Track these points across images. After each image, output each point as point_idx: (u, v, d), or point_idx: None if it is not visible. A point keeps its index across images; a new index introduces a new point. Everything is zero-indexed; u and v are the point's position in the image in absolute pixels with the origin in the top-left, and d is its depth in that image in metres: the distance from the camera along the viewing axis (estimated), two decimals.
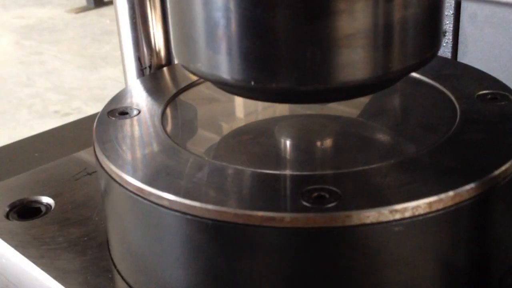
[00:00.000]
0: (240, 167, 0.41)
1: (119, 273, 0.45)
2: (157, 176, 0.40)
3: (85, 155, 0.59)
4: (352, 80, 0.39)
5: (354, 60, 0.38)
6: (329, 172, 0.40)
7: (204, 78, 0.42)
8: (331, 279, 0.37)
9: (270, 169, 0.40)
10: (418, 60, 0.41)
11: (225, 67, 0.40)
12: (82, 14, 3.60)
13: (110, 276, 0.45)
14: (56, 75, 2.86)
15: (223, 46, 0.39)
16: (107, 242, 0.48)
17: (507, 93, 0.48)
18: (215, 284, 0.39)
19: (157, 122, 0.46)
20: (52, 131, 0.90)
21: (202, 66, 0.41)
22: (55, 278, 0.45)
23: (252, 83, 0.39)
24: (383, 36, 0.38)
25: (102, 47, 3.12)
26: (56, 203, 0.53)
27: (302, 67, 0.38)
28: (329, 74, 0.38)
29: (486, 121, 0.44)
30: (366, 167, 0.40)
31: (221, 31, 0.39)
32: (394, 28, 0.38)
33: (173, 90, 0.51)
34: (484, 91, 0.48)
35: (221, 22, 0.38)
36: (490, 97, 0.47)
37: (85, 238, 0.49)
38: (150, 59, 0.56)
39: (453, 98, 0.47)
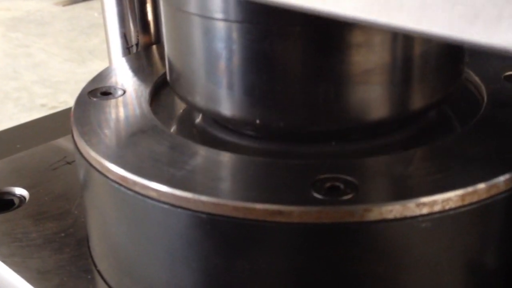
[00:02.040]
0: (239, 154, 0.36)
1: (100, 274, 0.40)
2: (143, 163, 0.35)
3: (64, 142, 0.54)
4: (370, 119, 0.36)
5: (371, 98, 0.35)
6: (344, 159, 0.35)
7: (202, 113, 0.37)
8: (346, 284, 0.32)
9: (275, 156, 0.35)
10: (439, 96, 0.38)
11: (226, 102, 0.36)
12: (69, 7, 3.54)
13: (89, 277, 0.40)
14: (43, 68, 2.80)
15: (225, 80, 0.36)
16: (87, 239, 0.42)
17: None
18: (211, 287, 0.34)
19: (144, 103, 0.41)
20: (36, 122, 0.84)
21: (201, 100, 0.38)
22: (27, 279, 0.40)
23: (258, 121, 0.36)
24: (402, 72, 0.36)
25: (90, 40, 3.06)
26: (30, 194, 0.47)
27: (313, 105, 0.35)
28: (344, 113, 0.35)
29: None
30: (386, 154, 0.34)
31: (223, 63, 0.35)
32: (414, 63, 0.36)
33: (162, 70, 0.46)
34: None
35: (224, 53, 0.35)
36: None
37: (62, 234, 0.43)
38: (137, 36, 0.51)
39: (478, 79, 0.42)
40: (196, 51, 0.37)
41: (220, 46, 0.35)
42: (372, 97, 0.35)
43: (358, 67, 0.34)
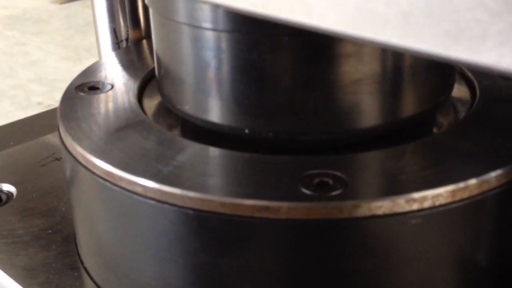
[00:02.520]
0: (227, 149, 0.35)
1: (87, 271, 0.39)
2: (130, 158, 0.34)
3: (53, 138, 0.53)
4: (360, 128, 0.36)
5: (361, 107, 0.35)
6: (332, 154, 0.34)
7: (192, 121, 0.37)
8: (336, 281, 0.31)
9: (263, 151, 0.34)
10: (430, 106, 0.37)
11: (215, 111, 0.36)
12: (66, 5, 3.52)
13: (76, 274, 0.39)
14: (39, 66, 2.79)
15: (213, 89, 0.36)
16: (74, 236, 0.41)
17: None
18: (198, 285, 0.33)
19: (133, 98, 0.40)
20: (30, 119, 0.84)
21: (190, 108, 0.37)
22: (12, 276, 0.39)
23: (246, 131, 0.35)
24: (392, 81, 0.35)
25: (87, 38, 3.05)
26: (18, 191, 0.47)
27: (302, 115, 0.35)
28: (333, 123, 0.35)
29: (509, 100, 0.39)
30: (376, 149, 0.34)
31: (212, 72, 0.35)
32: (404, 73, 0.35)
33: (151, 65, 0.45)
34: None
35: (212, 62, 0.35)
36: None
37: (49, 231, 0.42)
38: (127, 31, 0.50)
39: (470, 75, 0.42)
40: (185, 60, 0.37)
41: (209, 55, 0.35)
42: (362, 107, 0.35)
43: (347, 76, 0.34)
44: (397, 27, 0.19)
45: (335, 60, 0.34)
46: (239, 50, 0.34)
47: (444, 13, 0.18)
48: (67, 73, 2.68)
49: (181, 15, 0.35)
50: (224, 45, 0.34)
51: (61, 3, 3.60)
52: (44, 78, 2.67)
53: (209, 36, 0.35)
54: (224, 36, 0.34)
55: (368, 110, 0.35)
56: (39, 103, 2.48)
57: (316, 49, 0.33)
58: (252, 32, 0.33)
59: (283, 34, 0.33)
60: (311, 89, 0.34)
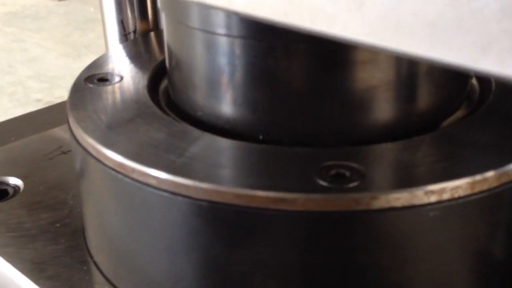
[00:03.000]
0: (241, 141, 0.34)
1: (96, 265, 0.39)
2: (141, 149, 0.34)
3: (60, 132, 0.52)
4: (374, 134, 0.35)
5: (377, 114, 0.35)
6: (349, 146, 0.33)
7: (205, 127, 0.37)
8: (352, 274, 0.31)
9: (278, 142, 0.34)
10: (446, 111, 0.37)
11: (229, 117, 0.36)
12: (65, 2, 3.52)
13: (85, 268, 0.38)
14: (38, 63, 2.78)
15: (228, 95, 0.35)
16: (83, 229, 0.41)
17: None
18: (211, 278, 0.33)
19: (142, 89, 0.40)
20: (31, 115, 0.83)
21: (204, 114, 0.37)
22: (21, 270, 0.38)
23: (260, 137, 0.35)
24: (407, 88, 0.35)
25: (86, 35, 3.04)
26: (25, 184, 0.46)
27: (317, 121, 0.35)
28: (349, 129, 0.35)
29: None
30: (393, 141, 0.33)
31: (226, 78, 0.35)
32: (420, 78, 0.35)
33: (160, 56, 0.45)
34: None
35: (227, 68, 0.35)
36: None
37: (58, 225, 0.42)
38: (135, 23, 0.49)
39: None
40: (198, 65, 0.36)
41: (223, 61, 0.35)
42: (377, 114, 0.35)
43: (363, 83, 0.34)
44: (424, 38, 0.18)
45: (350, 66, 0.33)
46: (254, 56, 0.34)
47: (472, 24, 0.17)
48: (66, 70, 2.67)
49: (195, 20, 0.35)
50: (238, 51, 0.34)
51: (60, 0, 3.59)
52: (43, 75, 2.67)
53: (223, 42, 0.35)
54: (238, 42, 0.34)
55: (384, 118, 0.35)
56: (38, 100, 2.48)
57: (331, 56, 0.33)
58: (267, 39, 0.33)
59: (299, 41, 0.33)
60: (326, 96, 0.34)
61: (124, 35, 0.49)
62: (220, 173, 0.32)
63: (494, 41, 0.17)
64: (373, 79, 0.34)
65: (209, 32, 0.35)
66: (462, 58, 0.18)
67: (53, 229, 0.42)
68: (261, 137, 0.35)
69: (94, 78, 0.41)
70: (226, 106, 0.36)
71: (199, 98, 0.37)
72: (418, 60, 0.19)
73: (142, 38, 0.49)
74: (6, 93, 2.50)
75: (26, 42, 3.01)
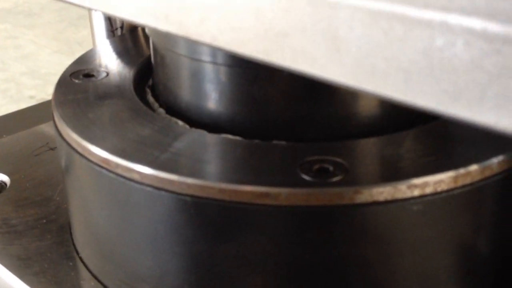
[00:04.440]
0: (225, 135, 0.34)
1: (82, 261, 0.39)
2: (126, 145, 0.34)
3: (47, 128, 0.52)
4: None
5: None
6: (333, 140, 0.33)
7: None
8: (336, 268, 0.31)
9: (262, 137, 0.34)
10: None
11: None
12: None
13: (71, 264, 0.38)
14: (31, 60, 2.77)
15: (214, 120, 0.36)
16: (69, 225, 0.41)
17: None
18: (195, 273, 0.33)
19: (128, 85, 0.40)
20: (22, 112, 0.83)
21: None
22: (7, 266, 0.38)
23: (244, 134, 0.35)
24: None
25: (79, 31, 3.03)
26: (12, 181, 0.46)
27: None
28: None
29: None
30: (377, 136, 0.33)
31: (212, 103, 0.36)
32: None
33: (147, 52, 0.44)
34: None
35: (212, 94, 0.36)
36: None
37: (44, 221, 0.42)
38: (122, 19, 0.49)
39: None
40: (185, 89, 0.37)
41: (209, 87, 0.35)
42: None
43: (347, 109, 0.34)
44: (398, 83, 0.19)
45: (334, 94, 0.34)
46: (239, 84, 0.34)
47: (443, 73, 0.18)
48: (60, 66, 2.67)
49: (181, 47, 0.36)
50: (224, 78, 0.34)
51: None
52: (36, 72, 2.66)
53: (209, 69, 0.35)
54: (223, 70, 0.34)
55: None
56: (31, 97, 2.47)
57: (315, 83, 0.33)
58: (252, 66, 0.33)
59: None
60: (311, 123, 0.34)
61: (111, 31, 0.49)
62: (204, 168, 0.32)
63: (464, 90, 0.17)
64: (357, 106, 0.35)
65: (195, 60, 0.36)
66: (434, 104, 0.18)
67: (40, 225, 0.42)
68: (245, 134, 0.35)
69: (80, 73, 0.41)
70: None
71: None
72: (395, 103, 0.20)
73: (129, 33, 0.49)
74: (0, 90, 2.50)
75: (19, 38, 3.00)
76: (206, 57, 0.35)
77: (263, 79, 0.34)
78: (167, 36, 0.36)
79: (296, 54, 0.21)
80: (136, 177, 0.32)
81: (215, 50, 0.34)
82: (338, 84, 0.21)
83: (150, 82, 0.42)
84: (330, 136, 0.34)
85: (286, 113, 0.35)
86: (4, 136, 0.73)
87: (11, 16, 3.44)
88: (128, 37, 0.48)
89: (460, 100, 0.18)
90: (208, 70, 0.35)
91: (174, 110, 0.38)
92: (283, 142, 0.33)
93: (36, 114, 0.77)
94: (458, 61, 0.17)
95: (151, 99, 0.40)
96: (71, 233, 0.40)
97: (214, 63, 0.35)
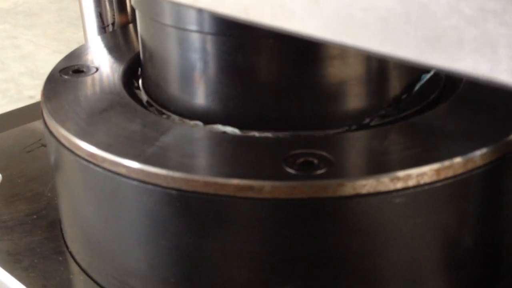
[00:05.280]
0: (211, 129, 0.35)
1: (72, 256, 0.39)
2: (113, 139, 0.34)
3: (40, 125, 0.52)
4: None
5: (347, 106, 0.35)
6: (317, 134, 0.34)
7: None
8: (320, 260, 0.31)
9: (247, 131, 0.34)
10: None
11: (201, 113, 0.36)
12: None
13: (61, 259, 0.39)
14: (31, 60, 2.77)
15: (199, 91, 0.36)
16: (60, 221, 0.41)
17: None
18: (182, 266, 0.33)
19: (117, 80, 0.40)
20: (19, 111, 0.83)
21: (177, 109, 0.37)
22: None
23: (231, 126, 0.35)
24: (377, 82, 0.36)
25: (79, 31, 3.03)
26: (3, 177, 0.46)
27: (287, 115, 0.35)
28: (319, 122, 0.35)
29: None
30: (361, 129, 0.34)
31: (197, 74, 0.35)
32: (390, 72, 0.36)
33: (137, 48, 0.45)
34: None
35: (198, 64, 0.35)
36: None
37: (34, 216, 0.42)
38: (113, 16, 0.50)
39: None
40: (170, 61, 0.37)
41: (194, 57, 0.35)
42: (347, 106, 0.35)
43: (331, 77, 0.34)
44: (375, 33, 0.19)
45: (320, 61, 0.34)
46: (224, 52, 0.34)
47: (421, 20, 0.18)
48: None
49: (167, 17, 0.36)
50: (209, 47, 0.34)
51: None
52: (35, 72, 2.66)
53: (194, 38, 0.35)
54: (209, 39, 0.34)
55: (354, 111, 0.35)
56: (31, 97, 2.47)
57: (299, 51, 0.33)
58: (236, 34, 0.33)
59: (268, 36, 0.33)
60: (295, 90, 0.34)
61: (103, 28, 0.49)
62: (190, 162, 0.32)
63: (442, 36, 0.17)
64: (342, 74, 0.34)
65: (180, 29, 0.35)
66: (412, 53, 0.18)
67: (30, 220, 0.42)
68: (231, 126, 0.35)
69: (70, 69, 0.41)
70: (199, 101, 0.36)
71: (173, 94, 0.37)
72: (373, 55, 0.20)
73: (120, 30, 0.49)
74: None
75: (19, 38, 3.01)
76: (191, 26, 0.35)
77: (247, 47, 0.34)
78: (152, 6, 0.36)
79: (275, 9, 0.21)
80: (122, 171, 0.32)
81: (199, 18, 0.34)
82: (318, 40, 0.21)
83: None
84: (317, 108, 0.35)
85: (271, 83, 0.35)
86: None
87: (10, 16, 3.44)
88: (119, 33, 0.49)
89: (439, 46, 0.18)
90: (194, 39, 0.35)
91: (160, 86, 0.38)
92: (269, 135, 0.34)
93: (30, 113, 0.77)
94: (435, 5, 0.17)
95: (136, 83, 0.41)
96: (61, 228, 0.41)
97: (199, 32, 0.35)
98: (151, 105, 0.39)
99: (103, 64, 0.42)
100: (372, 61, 0.35)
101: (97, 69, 0.41)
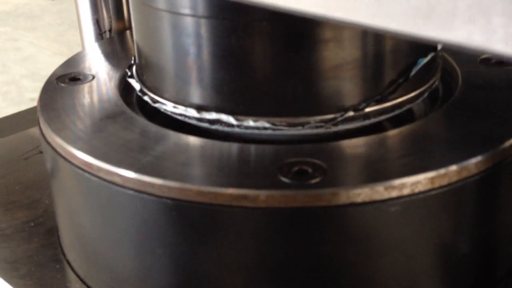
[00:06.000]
0: (206, 139, 0.35)
1: (69, 264, 0.39)
2: (108, 149, 0.34)
3: (37, 131, 0.52)
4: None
5: (342, 93, 0.35)
6: (311, 143, 0.34)
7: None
8: (315, 269, 0.31)
9: (242, 141, 0.34)
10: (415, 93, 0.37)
11: (195, 98, 0.36)
12: (58, 1, 3.51)
13: (58, 267, 0.39)
14: (32, 62, 2.78)
15: (193, 75, 0.35)
16: (57, 228, 0.41)
17: None
18: (177, 275, 0.33)
19: (114, 88, 0.40)
20: (18, 114, 0.83)
21: (170, 95, 0.37)
22: None
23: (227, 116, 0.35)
24: (373, 66, 0.35)
25: (79, 34, 3.04)
26: (0, 183, 0.46)
27: (282, 99, 0.34)
28: (313, 106, 0.35)
29: (491, 87, 0.38)
30: (355, 137, 0.34)
31: (191, 58, 0.35)
32: (386, 57, 0.35)
33: (134, 55, 0.45)
34: (488, 55, 0.42)
35: (191, 49, 0.35)
36: (495, 61, 0.41)
37: (32, 224, 0.42)
38: (110, 22, 0.50)
39: (453, 62, 0.41)
40: (164, 46, 0.36)
41: (187, 41, 0.35)
42: (342, 92, 0.35)
43: (326, 62, 0.34)
44: (368, 6, 0.19)
45: (314, 44, 0.33)
46: (218, 36, 0.34)
47: None
48: None
49: (159, 1, 0.35)
50: (202, 31, 0.34)
51: None
52: (36, 74, 2.66)
53: (188, 22, 0.34)
54: (202, 22, 0.34)
55: (349, 96, 0.35)
56: (32, 99, 2.47)
57: (293, 33, 0.33)
58: (230, 18, 0.33)
59: (261, 19, 0.33)
60: (289, 74, 0.34)
61: (100, 34, 0.50)
62: (185, 171, 0.32)
63: (436, 5, 0.17)
64: (337, 58, 0.34)
65: (173, 13, 0.35)
66: (406, 26, 0.18)
67: (28, 228, 0.42)
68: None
69: (66, 77, 0.42)
70: (193, 86, 0.36)
71: (167, 78, 0.37)
72: (366, 29, 0.19)
73: (117, 36, 0.49)
74: (0, 93, 2.50)
75: (20, 41, 3.01)
76: (184, 9, 0.34)
77: (241, 31, 0.34)
78: None
79: None
80: (118, 180, 0.32)
81: (192, 1, 0.34)
82: (310, 16, 0.20)
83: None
84: (312, 93, 0.34)
85: (265, 67, 0.35)
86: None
87: (11, 18, 3.44)
88: (116, 40, 0.49)
89: (432, 17, 0.17)
90: (186, 23, 0.35)
91: (153, 73, 0.38)
92: (264, 146, 0.34)
93: (29, 117, 0.77)
94: None
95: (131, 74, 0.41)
96: (58, 236, 0.41)
97: (192, 15, 0.34)
98: (145, 93, 0.39)
99: (99, 71, 0.42)
100: (367, 44, 0.34)
101: (93, 77, 0.41)
